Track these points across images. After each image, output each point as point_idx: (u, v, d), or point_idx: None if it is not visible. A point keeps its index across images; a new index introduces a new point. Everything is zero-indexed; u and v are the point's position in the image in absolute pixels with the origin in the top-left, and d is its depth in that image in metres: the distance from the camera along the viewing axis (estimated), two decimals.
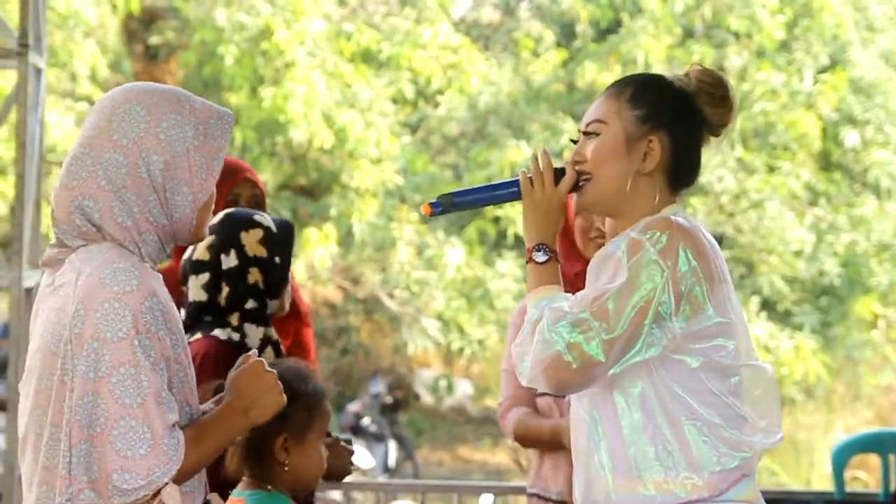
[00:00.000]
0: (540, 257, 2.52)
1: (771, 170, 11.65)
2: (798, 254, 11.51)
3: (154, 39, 12.44)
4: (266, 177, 11.60)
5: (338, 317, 13.27)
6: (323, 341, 13.06)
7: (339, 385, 13.37)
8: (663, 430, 2.44)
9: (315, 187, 12.06)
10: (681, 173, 2.55)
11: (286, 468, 2.76)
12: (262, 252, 3.16)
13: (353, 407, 12.13)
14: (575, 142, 2.58)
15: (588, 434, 2.52)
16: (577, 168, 2.54)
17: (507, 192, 2.56)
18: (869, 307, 11.70)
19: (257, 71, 11.37)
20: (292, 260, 3.24)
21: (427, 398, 13.54)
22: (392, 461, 11.79)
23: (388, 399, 12.13)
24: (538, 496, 3.62)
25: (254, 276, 3.15)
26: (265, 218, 3.22)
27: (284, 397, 2.38)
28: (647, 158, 2.52)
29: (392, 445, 11.85)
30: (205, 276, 3.16)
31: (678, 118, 2.54)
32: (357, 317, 13.21)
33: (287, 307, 3.26)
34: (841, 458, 5.46)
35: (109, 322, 2.21)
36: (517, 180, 2.55)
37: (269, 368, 2.38)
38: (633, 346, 2.40)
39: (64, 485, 2.21)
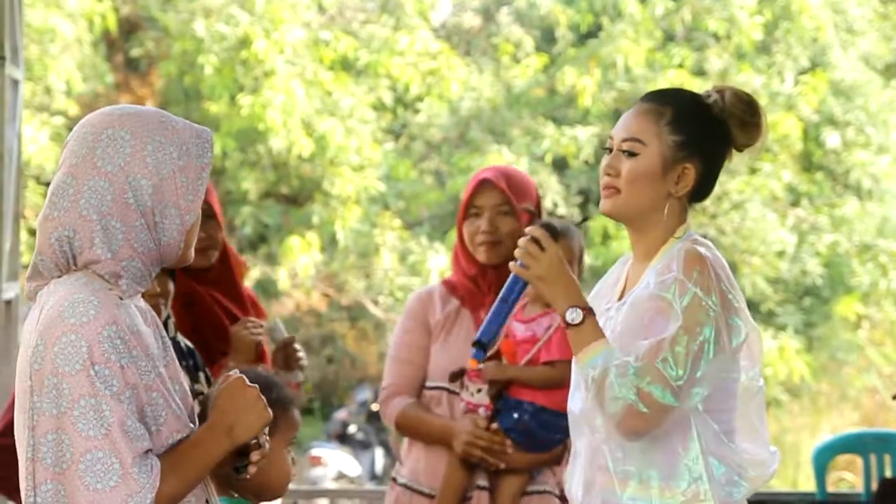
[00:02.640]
0: (576, 320, 2.56)
1: (752, 171, 11.68)
2: (780, 254, 11.54)
3: (134, 51, 12.43)
4: (249, 185, 11.59)
5: (323, 325, 13.26)
6: (309, 349, 13.04)
7: (325, 393, 13.36)
8: (680, 450, 2.54)
9: (298, 195, 12.06)
10: (703, 193, 2.66)
11: (248, 476, 2.77)
12: None
13: (340, 415, 12.12)
14: (606, 149, 2.64)
15: (598, 439, 2.60)
16: (606, 181, 2.61)
17: (517, 291, 2.64)
18: (851, 307, 11.73)
19: (237, 80, 11.37)
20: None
21: None
22: (379, 468, 11.78)
23: (375, 406, 12.12)
24: (407, 487, 3.59)
25: None
26: None
27: (270, 412, 2.34)
28: (680, 183, 2.60)
29: (379, 453, 11.84)
30: None
31: (714, 147, 2.63)
32: (342, 324, 13.21)
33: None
34: (822, 460, 5.48)
35: (66, 355, 2.17)
36: (516, 277, 2.62)
37: (250, 384, 2.33)
38: (699, 384, 2.49)
39: None
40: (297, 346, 3.72)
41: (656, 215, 2.60)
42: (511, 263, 2.62)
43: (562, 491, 3.42)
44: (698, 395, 2.50)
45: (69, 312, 2.20)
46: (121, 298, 2.28)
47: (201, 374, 3.40)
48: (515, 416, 3.46)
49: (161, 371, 2.30)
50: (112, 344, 2.20)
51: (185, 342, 3.39)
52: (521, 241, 2.60)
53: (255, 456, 2.37)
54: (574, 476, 2.66)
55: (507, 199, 3.51)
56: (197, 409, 2.45)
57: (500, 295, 2.63)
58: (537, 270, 2.58)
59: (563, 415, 3.16)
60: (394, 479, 3.64)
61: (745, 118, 2.63)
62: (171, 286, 3.28)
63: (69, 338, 2.19)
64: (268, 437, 2.40)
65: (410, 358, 3.62)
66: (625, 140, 2.61)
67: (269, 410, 2.34)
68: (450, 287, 3.63)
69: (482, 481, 3.51)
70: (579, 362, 2.55)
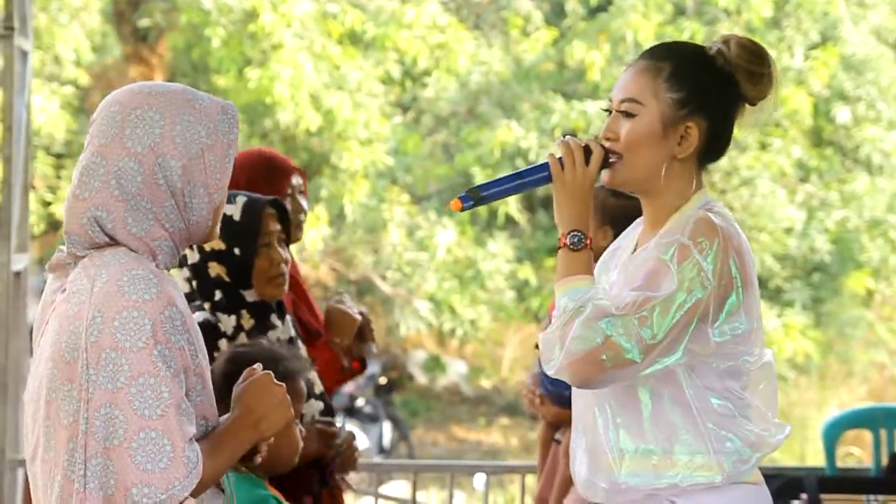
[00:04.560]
0: (577, 245, 2.45)
1: (762, 147, 11.64)
2: (789, 231, 11.51)
3: (142, 21, 12.39)
4: None
5: (330, 299, 13.26)
6: None
7: None
8: (683, 427, 2.46)
9: (306, 169, 12.03)
10: (714, 153, 2.52)
11: (256, 463, 2.77)
12: (219, 245, 3.17)
13: (348, 388, 12.12)
14: (606, 111, 2.53)
15: (600, 416, 2.52)
16: (607, 146, 2.49)
17: (535, 177, 2.50)
18: (861, 283, 11.71)
19: (245, 53, 11.33)
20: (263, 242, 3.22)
21: (421, 379, 13.55)
22: (387, 442, 11.79)
23: (383, 380, 12.12)
24: None
25: (214, 269, 3.19)
26: (234, 206, 3.22)
27: (292, 411, 2.35)
28: (683, 143, 2.48)
29: (387, 426, 11.85)
30: (185, 271, 3.25)
31: (717, 101, 2.49)
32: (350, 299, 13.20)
33: (283, 290, 3.27)
34: (832, 434, 5.47)
35: (128, 331, 2.15)
36: (545, 164, 2.48)
37: (277, 382, 2.34)
38: (671, 352, 2.40)
39: (79, 499, 2.16)
40: (370, 318, 3.79)
41: (661, 180, 2.47)
42: (549, 153, 2.49)
43: None
44: (666, 363, 2.40)
45: (129, 288, 2.18)
46: None
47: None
48: (539, 368, 3.57)
49: (205, 355, 2.30)
50: (173, 325, 2.19)
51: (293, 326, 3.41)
52: (574, 143, 2.47)
53: (263, 446, 2.39)
54: (577, 454, 2.59)
55: None
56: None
57: (522, 169, 2.51)
58: (568, 177, 2.46)
59: None
60: None
61: (752, 69, 2.49)
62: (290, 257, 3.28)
63: (131, 314, 2.17)
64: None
65: None
66: (622, 101, 2.49)
67: (292, 410, 2.35)
68: None
69: (557, 435, 3.68)
70: (560, 288, 2.44)
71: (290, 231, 3.36)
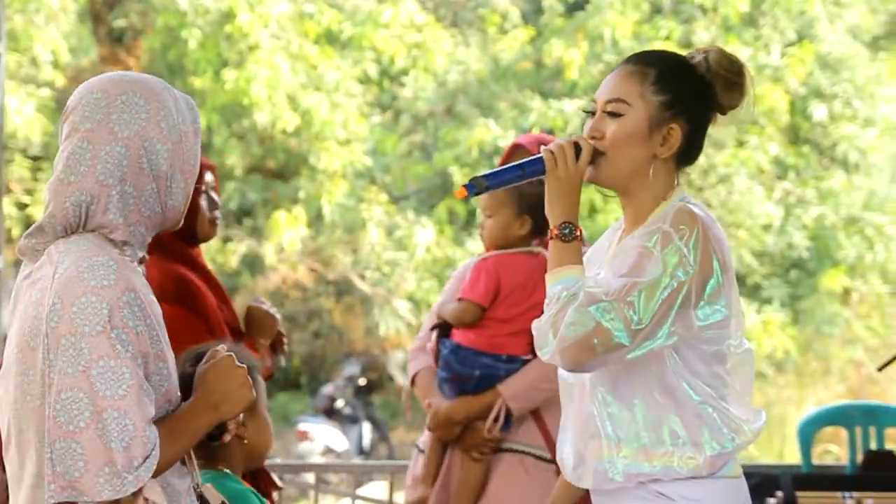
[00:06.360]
0: (566, 236, 2.55)
1: (739, 144, 11.68)
2: (767, 227, 11.56)
3: (118, 22, 12.36)
4: (235, 160, 11.56)
5: (309, 300, 13.24)
6: (295, 325, 13.03)
7: (312, 368, 13.36)
8: (672, 411, 2.55)
9: (284, 170, 12.03)
10: (690, 156, 2.65)
11: (245, 441, 2.78)
12: None
13: (327, 389, 12.13)
14: (589, 112, 2.63)
15: (593, 405, 2.60)
16: (593, 143, 2.60)
17: (533, 169, 2.60)
18: (837, 281, 11.76)
19: (222, 54, 11.31)
20: None
21: (401, 379, 13.55)
22: (366, 443, 11.81)
23: (362, 381, 12.13)
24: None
25: None
26: None
27: (254, 393, 2.39)
28: (666, 144, 2.60)
29: (366, 427, 11.86)
30: None
31: (698, 106, 2.63)
32: (328, 299, 13.20)
33: None
34: (807, 432, 5.49)
35: (86, 316, 2.19)
36: (541, 158, 2.59)
37: (238, 364, 2.37)
38: (656, 334, 2.49)
39: (48, 483, 2.20)
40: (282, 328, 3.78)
41: (643, 178, 2.59)
42: (543, 147, 2.59)
43: (553, 455, 3.49)
44: (653, 346, 2.50)
45: (89, 274, 2.22)
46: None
47: None
48: (445, 351, 3.60)
49: (167, 342, 2.33)
50: (130, 310, 2.23)
51: None
52: (565, 141, 2.58)
53: (231, 425, 2.42)
54: (565, 444, 2.68)
55: None
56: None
57: (522, 161, 2.61)
58: (561, 172, 2.56)
59: (481, 353, 3.47)
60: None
61: (730, 77, 2.63)
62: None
63: (89, 299, 2.21)
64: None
65: None
66: (609, 101, 2.60)
67: (254, 392, 2.38)
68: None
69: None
70: (552, 278, 2.55)
71: None
